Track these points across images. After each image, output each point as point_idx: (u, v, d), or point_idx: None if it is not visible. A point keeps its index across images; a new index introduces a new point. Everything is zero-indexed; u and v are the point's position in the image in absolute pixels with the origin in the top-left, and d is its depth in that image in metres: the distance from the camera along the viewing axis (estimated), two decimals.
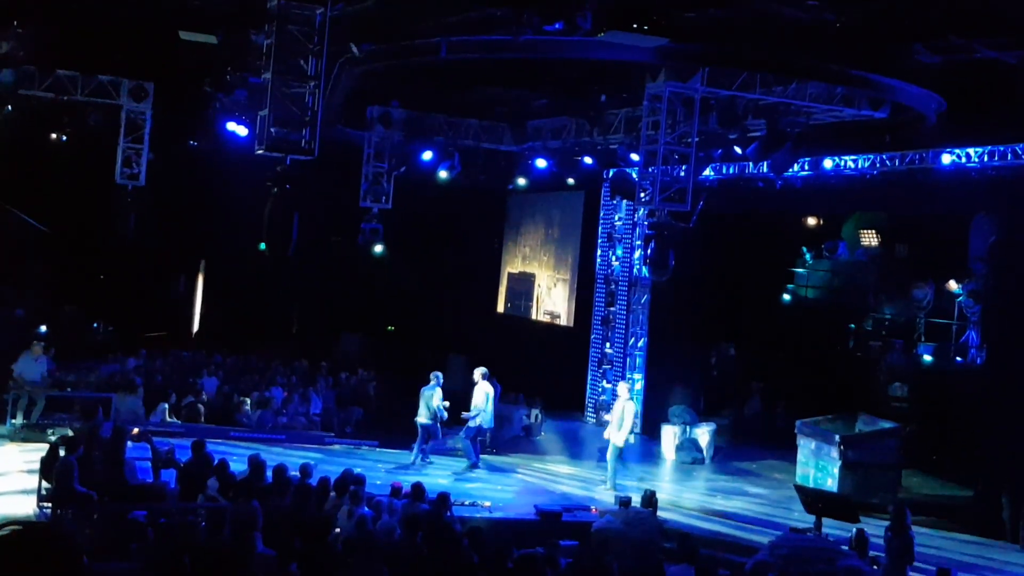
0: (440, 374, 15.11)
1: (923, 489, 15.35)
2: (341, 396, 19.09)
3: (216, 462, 10.64)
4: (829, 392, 17.22)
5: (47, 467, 10.57)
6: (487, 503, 12.49)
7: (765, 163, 15.25)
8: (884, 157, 14.89)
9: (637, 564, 9.67)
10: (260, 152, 11.76)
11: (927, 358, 17.37)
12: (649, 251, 13.47)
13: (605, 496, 13.35)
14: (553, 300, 22.80)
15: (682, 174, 13.18)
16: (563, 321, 22.26)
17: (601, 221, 20.61)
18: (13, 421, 14.78)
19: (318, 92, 11.39)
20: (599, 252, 20.59)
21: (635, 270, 19.77)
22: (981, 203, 14.69)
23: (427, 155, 18.36)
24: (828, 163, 15.67)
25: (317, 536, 8.62)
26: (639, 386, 19.71)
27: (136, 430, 12.73)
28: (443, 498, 10.16)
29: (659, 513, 11.79)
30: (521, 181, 19.62)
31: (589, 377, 20.51)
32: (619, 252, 20.18)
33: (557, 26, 9.77)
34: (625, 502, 11.22)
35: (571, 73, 14.15)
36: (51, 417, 14.96)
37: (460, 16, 11.60)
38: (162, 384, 17.54)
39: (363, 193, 18.78)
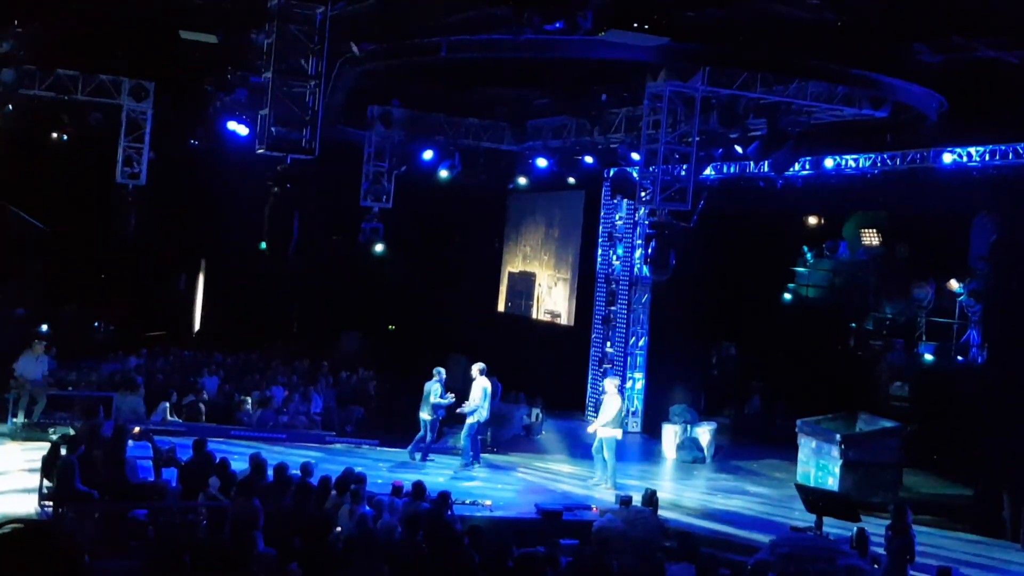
0: (442, 370, 15.12)
1: (924, 488, 15.36)
2: (342, 395, 19.09)
3: (217, 461, 10.66)
4: (830, 391, 17.22)
5: (48, 466, 10.58)
6: (488, 502, 12.49)
7: (766, 162, 15.24)
8: (885, 156, 14.89)
9: (638, 563, 9.67)
10: (261, 151, 11.77)
11: (928, 357, 17.37)
12: (650, 250, 13.47)
13: (606, 495, 13.35)
14: (554, 299, 22.80)
15: (683, 173, 13.17)
16: (564, 320, 22.26)
17: (602, 220, 20.61)
18: (14, 420, 14.80)
19: (319, 91, 11.39)
20: (600, 251, 20.59)
21: (636, 269, 19.77)
22: (982, 202, 14.69)
23: (428, 154, 18.36)
24: (829, 162, 15.67)
25: (318, 535, 8.63)
26: (640, 385, 19.72)
27: (137, 429, 12.74)
28: (444, 497, 10.17)
29: (660, 512, 11.80)
30: (522, 180, 19.62)
31: (590, 376, 20.51)
32: (620, 251, 20.17)
33: (558, 25, 9.77)
34: (626, 501, 11.23)
35: (572, 72, 14.15)
36: (52, 416, 14.98)
37: (461, 15, 11.60)
38: (163, 383, 17.54)
39: (364, 192, 18.78)
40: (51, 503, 10.28)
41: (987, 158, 13.64)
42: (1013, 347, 13.69)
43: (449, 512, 10.33)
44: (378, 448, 16.11)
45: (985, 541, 12.92)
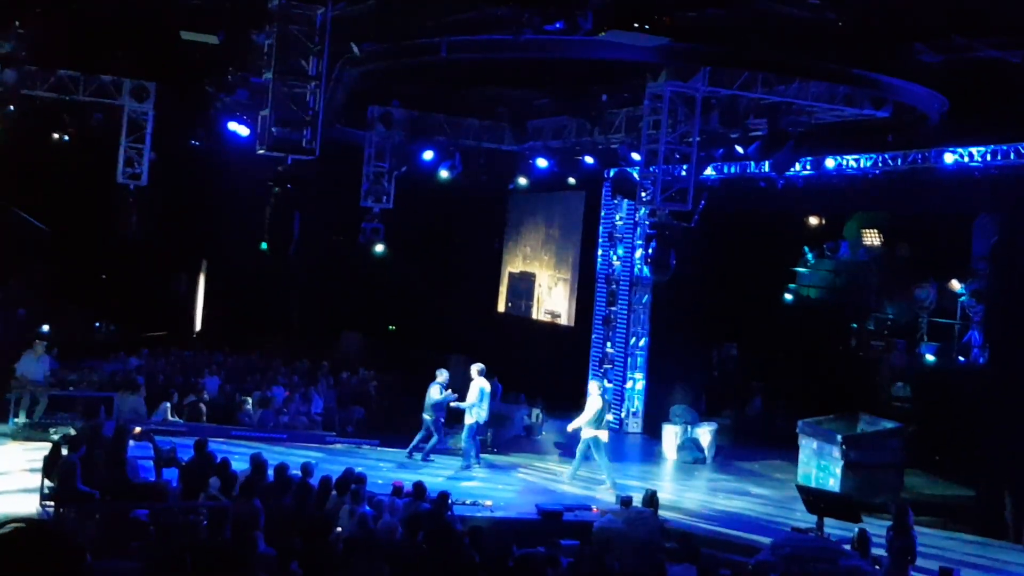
0: (445, 372, 15.13)
1: (925, 489, 15.35)
2: (342, 395, 19.10)
3: (218, 461, 10.66)
4: (831, 392, 17.21)
5: (49, 466, 10.59)
6: (488, 502, 12.50)
7: (767, 162, 15.24)
8: (886, 156, 14.88)
9: (638, 564, 9.68)
10: (261, 152, 11.77)
11: (929, 358, 17.37)
12: (650, 251, 13.48)
13: (607, 496, 13.36)
14: (554, 300, 22.80)
15: (683, 173, 13.17)
16: (564, 321, 22.27)
17: (602, 221, 20.61)
18: (16, 420, 14.81)
19: (319, 92, 11.40)
20: (600, 252, 20.59)
21: (636, 270, 19.77)
22: (984, 202, 14.68)
23: (428, 155, 18.37)
24: (830, 162, 15.67)
25: (318, 535, 8.64)
26: (640, 385, 19.73)
27: (138, 429, 12.77)
28: (444, 497, 10.18)
29: (661, 513, 11.80)
30: (522, 181, 19.63)
31: (590, 377, 20.45)
32: (620, 252, 20.18)
33: (558, 25, 9.78)
34: (626, 502, 11.23)
35: (572, 73, 14.15)
36: (53, 416, 14.99)
37: (461, 16, 11.61)
38: (164, 383, 17.56)
39: (364, 193, 18.79)
40: (52, 503, 10.29)
41: (988, 158, 13.64)
42: (1014, 348, 13.69)
43: (449, 512, 10.33)
44: (378, 448, 16.12)
45: (987, 542, 12.91)
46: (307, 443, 15.79)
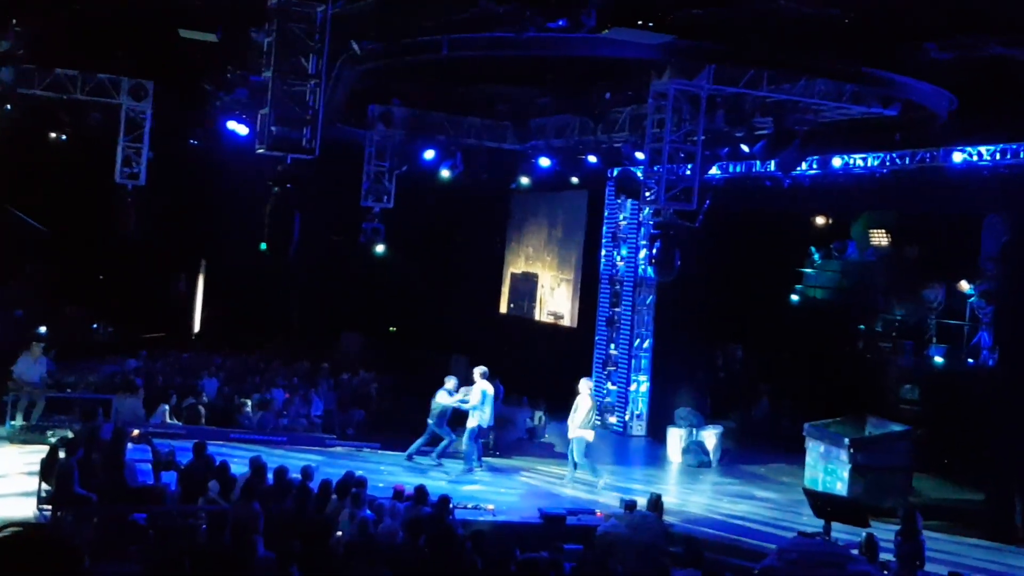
0: (454, 379, 15.13)
1: (934, 493, 15.32)
2: (342, 398, 19.12)
3: (217, 464, 10.68)
4: (838, 394, 17.19)
5: (47, 469, 10.61)
6: (490, 506, 12.51)
7: (773, 161, 15.22)
8: (894, 155, 14.86)
9: (642, 569, 9.67)
10: (261, 151, 11.79)
11: (938, 360, 17.34)
12: (654, 251, 13.48)
13: (610, 499, 13.35)
14: (556, 301, 22.80)
15: (688, 173, 13.17)
16: (567, 322, 22.27)
17: (605, 220, 20.62)
18: (13, 423, 14.83)
19: (319, 90, 11.41)
20: (603, 252, 20.59)
21: (640, 270, 19.77)
22: (993, 202, 14.66)
23: (429, 154, 18.38)
24: (837, 161, 15.65)
25: (318, 539, 8.64)
26: (644, 388, 19.72)
27: (136, 432, 12.78)
28: (446, 501, 10.18)
29: (665, 517, 11.78)
30: (524, 180, 19.64)
31: (593, 378, 20.45)
32: (624, 252, 20.18)
33: (560, 23, 9.78)
34: (630, 506, 11.23)
35: (575, 71, 14.15)
36: (51, 419, 15.00)
37: (462, 13, 11.62)
38: (162, 385, 17.59)
39: (364, 192, 18.81)
40: (50, 507, 10.31)
41: (998, 157, 13.62)
42: None
43: (451, 517, 10.33)
44: (379, 451, 16.12)
45: (997, 547, 12.88)
46: (307, 446, 15.80)
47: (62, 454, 10.48)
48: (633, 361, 19.73)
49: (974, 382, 15.84)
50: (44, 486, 10.60)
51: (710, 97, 12.95)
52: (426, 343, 23.12)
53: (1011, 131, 13.29)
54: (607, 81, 15.27)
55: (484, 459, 15.39)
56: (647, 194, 13.34)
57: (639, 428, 19.62)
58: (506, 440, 17.39)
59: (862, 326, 19.37)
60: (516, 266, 24.49)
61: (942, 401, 16.83)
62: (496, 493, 13.71)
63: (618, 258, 20.30)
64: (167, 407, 16.04)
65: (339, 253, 22.91)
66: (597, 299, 20.67)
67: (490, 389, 14.90)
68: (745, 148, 14.35)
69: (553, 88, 16.34)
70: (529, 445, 18.04)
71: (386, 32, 12.57)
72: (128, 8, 13.17)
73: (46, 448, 11.34)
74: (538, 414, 18.84)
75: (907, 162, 14.75)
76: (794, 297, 20.32)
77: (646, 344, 19.78)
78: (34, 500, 10.68)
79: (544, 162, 18.59)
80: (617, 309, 20.11)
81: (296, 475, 10.42)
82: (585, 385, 14.51)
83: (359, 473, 10.64)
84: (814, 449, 14.73)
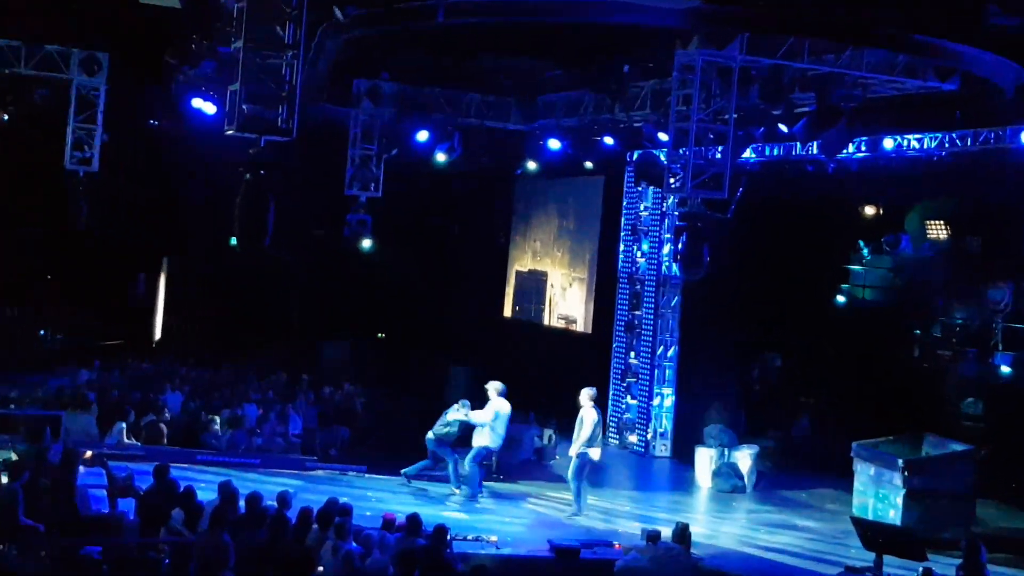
0: (467, 403, 15.16)
1: (1000, 522, 15.31)
2: (325, 414, 19.14)
3: (181, 490, 10.69)
4: (891, 409, 17.18)
5: None
6: (493, 538, 12.52)
7: (815, 143, 15.21)
8: (954, 136, 14.85)
9: None
10: (230, 133, 11.80)
11: (1005, 369, 17.30)
12: (680, 246, 13.47)
13: (630, 529, 13.36)
14: (568, 303, 22.82)
15: (718, 156, 13.17)
16: (580, 327, 22.28)
17: (624, 211, 20.62)
18: None
19: (297, 63, 11.42)
20: (622, 247, 20.60)
21: (664, 268, 19.78)
22: None
23: (422, 135, 18.39)
24: (888, 143, 15.64)
25: (297, 575, 8.65)
26: (669, 402, 19.72)
27: (89, 453, 12.80)
28: (442, 532, 10.19)
29: (693, 550, 11.79)
30: (531, 165, 19.63)
31: (611, 392, 20.52)
32: (645, 247, 20.19)
33: None
34: (653, 536, 11.22)
35: (589, 40, 14.15)
36: None
37: None
38: (119, 400, 17.61)
39: (349, 179, 18.82)
40: None
41: None
42: None
43: (449, 550, 10.34)
44: (367, 475, 16.15)
45: None
46: (284, 469, 15.82)
47: (5, 479, 10.49)
48: (656, 372, 19.73)
49: None
50: None
51: (743, 70, 12.94)
52: (420, 352, 23.15)
53: None
54: (626, 52, 15.26)
55: (486, 484, 15.39)
56: (671, 180, 13.33)
57: (663, 448, 19.62)
58: (511, 462, 17.39)
59: (918, 331, 19.33)
60: (522, 263, 24.50)
61: (1009, 416, 16.80)
62: (500, 522, 13.72)
63: (638, 254, 20.30)
64: (124, 425, 16.06)
65: (320, 249, 22.96)
66: (615, 301, 20.67)
67: (506, 408, 14.88)
68: (783, 128, 14.33)
69: (564, 60, 16.34)
70: (537, 468, 18.04)
71: None
72: None
73: None
74: (547, 432, 18.84)
75: (968, 143, 14.72)
76: (840, 298, 20.28)
77: (671, 352, 19.78)
78: None
79: (554, 144, 18.57)
80: (637, 312, 20.11)
81: (271, 502, 10.43)
82: (586, 396, 14.48)
83: (343, 500, 10.65)
84: (863, 472, 14.72)
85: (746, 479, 17.18)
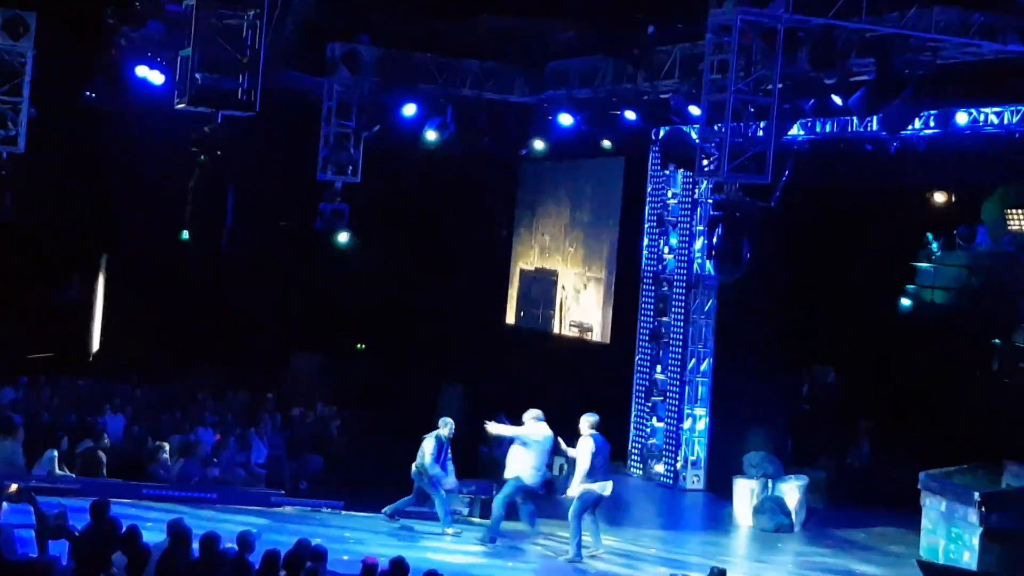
0: (450, 421, 15.10)
1: None
2: (294, 439, 19.14)
3: (123, 530, 10.68)
4: (965, 433, 17.17)
5: None
6: None
7: (875, 118, 15.20)
8: None
9: None
10: (181, 107, 11.83)
11: None
12: (715, 240, 13.48)
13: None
14: (582, 307, 22.81)
15: (760, 134, 13.16)
16: (596, 336, 22.27)
17: (648, 199, 20.62)
18: None
19: (260, 24, 11.44)
20: (646, 241, 20.60)
21: (696, 266, 19.77)
22: None
23: (409, 109, 18.40)
24: (962, 117, 15.63)
25: None
26: (702, 425, 19.71)
27: (14, 487, 12.77)
28: None
29: None
30: (538, 145, 19.64)
31: (633, 412, 20.52)
32: (674, 241, 20.19)
33: None
34: None
35: None
36: None
37: None
38: (50, 424, 17.62)
39: (322, 162, 18.83)
40: None
41: None
42: None
43: None
44: (343, 513, 16.16)
45: None
46: (246, 505, 15.82)
47: None
48: (687, 389, 19.72)
49: None
50: None
51: (790, 31, 12.94)
52: (406, 366, 23.12)
53: None
54: (651, 10, 15.26)
55: (486, 522, 15.36)
56: (705, 162, 13.34)
57: (695, 480, 19.62)
58: None
59: (997, 340, 19.31)
60: (527, 261, 24.49)
61: None
62: (501, 569, 13.73)
63: (666, 249, 20.30)
64: (56, 453, 16.06)
65: (288, 244, 22.95)
66: (638, 305, 20.66)
67: (541, 434, 14.71)
68: (837, 100, 14.34)
69: (578, 20, 16.33)
70: (546, 503, 18.00)
71: None
72: None
73: None
74: (558, 462, 18.80)
75: None
76: (905, 302, 20.27)
77: (704, 366, 19.77)
78: None
79: (566, 120, 18.58)
80: (664, 319, 20.10)
81: (231, 544, 10.43)
82: (586, 424, 14.38)
83: (316, 542, 10.64)
84: (933, 507, 14.71)
85: (793, 516, 17.17)
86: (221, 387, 21.25)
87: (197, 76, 11.40)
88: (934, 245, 20.24)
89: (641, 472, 20.12)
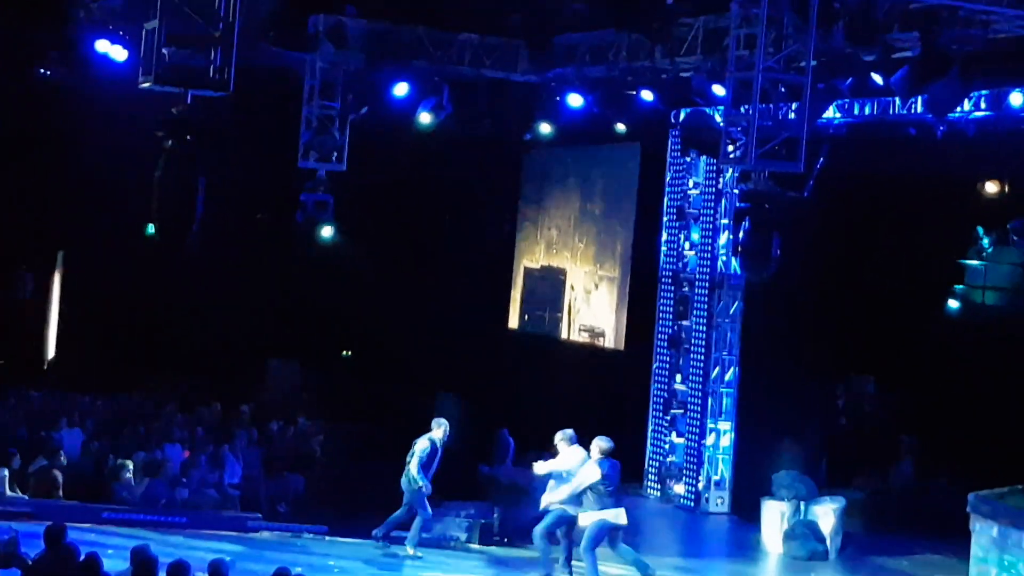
0: (444, 422, 15.04)
1: None
2: (272, 457, 19.16)
3: (82, 558, 10.70)
4: (1020, 449, 17.16)
5: None
6: None
7: (919, 99, 15.20)
8: None
9: None
10: (146, 86, 11.83)
11: None
12: (742, 235, 13.49)
13: None
14: (594, 310, 22.80)
15: (792, 116, 13.16)
16: (609, 342, 22.27)
17: (667, 189, 20.61)
18: None
19: None
20: (665, 236, 20.59)
21: (720, 264, 19.76)
22: None
23: (401, 89, 18.41)
24: (1016, 98, 15.61)
25: None
26: (727, 441, 19.69)
27: None
28: None
29: None
30: (545, 128, 19.64)
31: (650, 427, 20.51)
32: (695, 237, 20.18)
33: None
34: None
35: None
36: None
37: None
38: None
39: (303, 147, 18.83)
40: None
41: None
42: None
43: None
44: (327, 538, 16.16)
45: None
46: (218, 530, 15.84)
47: None
48: (710, 401, 19.71)
49: None
50: None
51: (825, 1, 12.95)
52: (397, 374, 23.13)
53: None
54: None
55: (486, 549, 15.38)
56: (730, 149, 13.34)
57: (719, 502, 19.60)
58: (518, 520, 17.40)
59: None
60: (532, 258, 24.49)
61: None
62: None
63: (686, 246, 20.29)
64: (7, 472, 16.09)
65: (265, 239, 22.95)
66: (655, 308, 20.66)
67: (578, 457, 14.64)
68: (878, 79, 14.34)
69: None
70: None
71: None
72: None
73: None
74: None
75: None
76: (952, 303, 20.26)
77: (729, 375, 19.76)
78: None
79: (575, 100, 18.58)
80: (685, 323, 20.09)
81: (202, 574, 10.45)
82: (596, 449, 14.25)
83: (297, 571, 10.66)
84: (984, 532, 14.70)
85: (828, 542, 17.17)
86: (190, 399, 21.26)
87: (164, 51, 11.41)
88: (985, 240, 20.21)
89: (659, 494, 20.10)
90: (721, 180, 19.70)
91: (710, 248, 19.94)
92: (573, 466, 14.35)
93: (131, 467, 17.15)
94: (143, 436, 18.86)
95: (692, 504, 19.64)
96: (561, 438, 14.61)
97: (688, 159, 20.18)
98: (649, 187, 21.20)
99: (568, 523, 14.58)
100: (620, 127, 19.72)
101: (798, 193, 13.41)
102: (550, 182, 24.19)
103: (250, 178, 21.49)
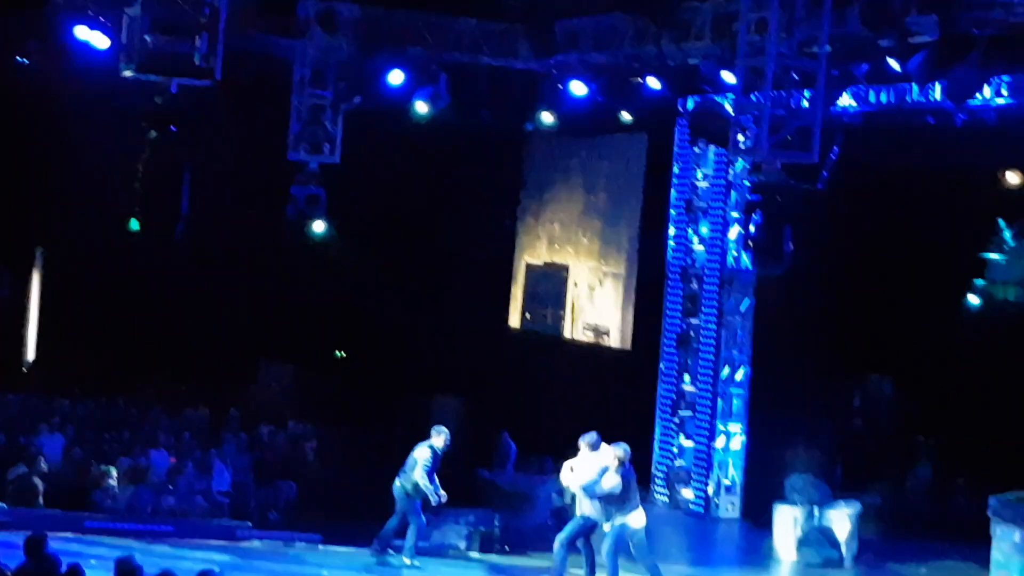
0: (444, 430, 14.99)
1: None
2: (262, 463, 19.15)
3: (64, 569, 10.69)
4: None
5: None
6: None
7: (938, 85, 15.18)
8: None
9: None
10: (129, 75, 11.82)
11: None
12: (753, 228, 13.47)
13: None
14: (598, 307, 22.80)
15: (805, 104, 13.14)
16: (614, 341, 22.26)
17: (675, 181, 20.61)
18: None
19: None
20: (672, 231, 20.59)
21: (730, 259, 19.77)
22: None
23: (396, 77, 18.39)
24: None
25: None
26: (738, 443, 19.70)
27: None
28: None
29: None
30: (547, 118, 19.62)
31: (658, 430, 20.51)
32: (704, 230, 20.18)
33: None
34: None
35: None
36: None
37: None
38: None
39: (294, 139, 18.82)
40: None
41: None
42: None
43: None
44: (320, 547, 16.16)
45: None
46: (206, 539, 15.84)
47: None
48: (720, 402, 19.72)
49: None
50: None
51: None
52: (393, 376, 23.12)
53: None
54: None
55: (486, 558, 15.37)
56: (741, 139, 13.34)
57: (730, 507, 19.62)
58: (521, 527, 17.40)
59: None
60: (534, 254, 24.47)
61: None
62: None
63: (695, 240, 20.29)
64: None
65: (254, 235, 22.93)
66: (662, 305, 20.66)
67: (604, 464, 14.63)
68: (894, 65, 14.33)
69: None
70: (556, 535, 18.01)
71: None
72: None
73: None
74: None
75: None
76: (973, 300, 20.27)
77: (740, 375, 19.77)
78: None
79: (579, 88, 18.56)
80: (694, 320, 20.09)
81: None
82: (616, 458, 14.29)
83: None
84: (1005, 537, 14.72)
85: (844, 548, 17.17)
86: (177, 403, 21.25)
87: (147, 39, 11.40)
88: (1007, 234, 20.22)
89: (667, 499, 20.10)
90: (731, 171, 19.69)
91: (720, 242, 19.94)
92: (595, 476, 14.35)
93: (115, 474, 17.17)
94: (127, 441, 18.87)
95: (702, 510, 19.65)
96: (586, 442, 14.55)
97: (697, 149, 20.19)
98: (656, 179, 21.18)
99: (590, 530, 14.58)
100: (625, 116, 19.70)
101: (811, 185, 13.40)
102: (552, 174, 24.15)
103: (237, 171, 21.45)
